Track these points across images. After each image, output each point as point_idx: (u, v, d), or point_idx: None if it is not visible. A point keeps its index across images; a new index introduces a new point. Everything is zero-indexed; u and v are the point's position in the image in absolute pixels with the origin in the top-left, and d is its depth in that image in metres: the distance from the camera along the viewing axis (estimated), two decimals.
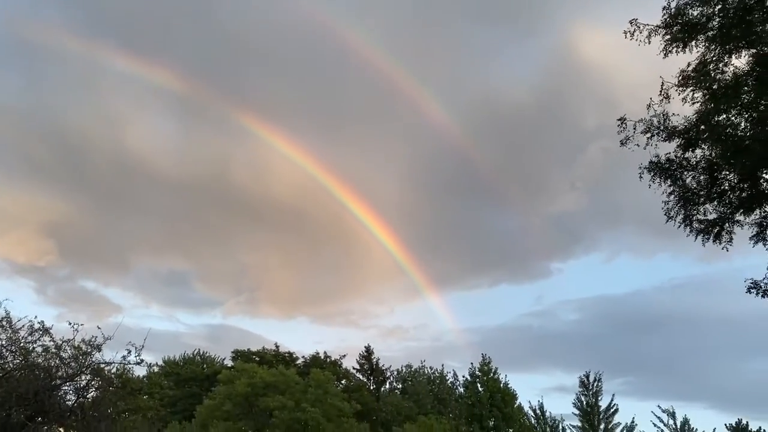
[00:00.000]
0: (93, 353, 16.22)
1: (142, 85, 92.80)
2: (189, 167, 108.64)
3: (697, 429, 51.09)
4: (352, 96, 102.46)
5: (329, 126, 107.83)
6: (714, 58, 10.85)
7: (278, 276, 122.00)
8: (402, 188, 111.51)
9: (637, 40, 11.79)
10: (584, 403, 44.66)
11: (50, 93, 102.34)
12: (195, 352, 66.02)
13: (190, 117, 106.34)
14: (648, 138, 11.80)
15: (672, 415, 52.06)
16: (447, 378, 64.30)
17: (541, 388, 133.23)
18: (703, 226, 12.45)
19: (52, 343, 15.95)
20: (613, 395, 51.00)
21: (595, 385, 44.91)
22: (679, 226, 12.60)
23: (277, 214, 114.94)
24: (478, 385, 44.31)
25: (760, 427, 52.15)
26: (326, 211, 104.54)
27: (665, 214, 12.42)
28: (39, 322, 15.88)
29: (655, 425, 54.79)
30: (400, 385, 64.89)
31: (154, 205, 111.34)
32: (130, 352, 16.13)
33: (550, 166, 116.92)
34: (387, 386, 65.60)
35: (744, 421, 49.82)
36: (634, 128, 11.90)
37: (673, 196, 12.31)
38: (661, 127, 11.61)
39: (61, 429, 17.48)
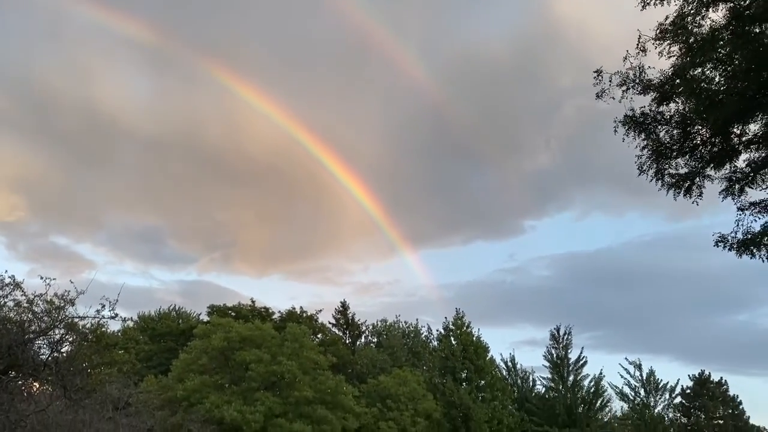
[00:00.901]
0: (66, 308, 16.11)
1: (111, 36, 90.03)
2: (161, 122, 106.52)
3: (661, 380, 53.15)
4: (328, 52, 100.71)
5: (305, 82, 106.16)
6: (692, 11, 10.83)
7: (253, 233, 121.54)
8: (378, 145, 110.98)
9: None
10: (554, 355, 45.91)
11: (14, 43, 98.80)
12: (170, 308, 65.98)
13: (161, 71, 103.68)
14: (623, 91, 11.82)
15: (638, 367, 53.95)
16: (421, 332, 65.43)
17: (512, 341, 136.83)
18: (674, 180, 12.61)
19: (23, 297, 15.80)
20: (582, 348, 52.55)
21: (565, 338, 46.13)
22: (651, 180, 12.76)
23: (252, 170, 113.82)
24: (452, 339, 45.17)
25: (721, 378, 54.43)
26: (301, 168, 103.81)
27: (638, 168, 12.57)
28: (10, 277, 15.68)
29: (622, 377, 56.80)
30: (375, 339, 65.85)
31: (126, 160, 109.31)
32: (104, 306, 16.03)
33: (525, 124, 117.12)
34: (362, 340, 66.54)
35: (707, 372, 51.89)
36: (610, 81, 11.90)
37: (646, 150, 12.42)
38: (637, 80, 11.62)
39: (35, 383, 17.47)
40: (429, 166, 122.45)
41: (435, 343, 56.06)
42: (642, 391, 52.99)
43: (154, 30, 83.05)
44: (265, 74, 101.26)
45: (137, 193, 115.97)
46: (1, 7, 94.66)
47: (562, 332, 46.00)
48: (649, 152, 12.51)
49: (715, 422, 50.49)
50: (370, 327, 67.32)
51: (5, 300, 15.72)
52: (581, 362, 45.53)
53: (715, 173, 12.60)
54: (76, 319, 16.37)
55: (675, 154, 12.35)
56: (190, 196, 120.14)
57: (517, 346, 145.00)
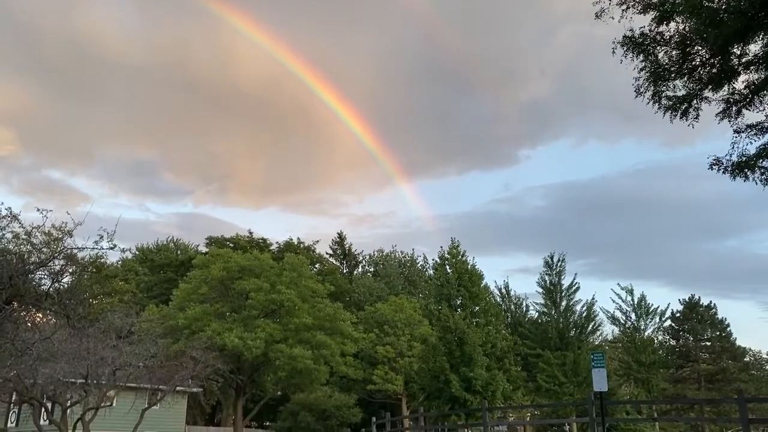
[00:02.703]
0: (65, 239, 16.17)
1: None
2: (149, 51, 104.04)
3: (652, 304, 54.40)
4: None
5: (296, 10, 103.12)
6: None
7: (247, 165, 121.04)
8: (371, 74, 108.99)
9: None
10: (547, 282, 46.61)
11: None
12: (169, 239, 66.52)
13: None
14: (623, 10, 11.49)
15: (630, 292, 55.07)
16: (417, 262, 66.38)
17: (506, 269, 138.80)
18: (671, 102, 12.44)
19: (21, 229, 15.82)
20: (576, 274, 53.44)
21: (558, 265, 46.71)
22: (648, 103, 12.58)
23: (245, 101, 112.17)
24: (447, 267, 45.73)
25: (710, 301, 55.73)
26: (294, 98, 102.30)
27: (635, 91, 12.35)
28: (6, 209, 15.64)
29: (613, 302, 58.18)
30: (372, 269, 66.83)
31: (116, 92, 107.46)
32: (102, 237, 16.05)
33: (520, 51, 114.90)
34: (359, 270, 67.57)
35: (696, 296, 53.03)
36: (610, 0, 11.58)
37: (644, 72, 12.19)
38: None
39: (39, 314, 17.77)
40: (423, 96, 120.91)
41: (431, 272, 56.90)
42: (633, 315, 54.35)
43: None
44: (256, 2, 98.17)
45: (129, 126, 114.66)
46: None
47: (555, 259, 46.56)
48: (647, 74, 12.28)
49: (703, 344, 52.01)
50: (367, 257, 68.24)
51: (3, 232, 15.75)
52: (574, 288, 46.29)
53: (713, 95, 12.43)
54: (75, 250, 16.45)
55: (673, 75, 12.12)
56: (183, 128, 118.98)
57: (511, 274, 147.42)
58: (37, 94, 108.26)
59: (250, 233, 59.56)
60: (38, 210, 15.78)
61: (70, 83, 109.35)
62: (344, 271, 65.38)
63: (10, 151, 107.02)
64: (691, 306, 52.61)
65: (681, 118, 12.63)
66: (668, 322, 53.83)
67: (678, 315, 53.01)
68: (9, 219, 15.86)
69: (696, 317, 52.05)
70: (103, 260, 20.79)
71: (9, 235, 15.94)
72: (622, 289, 55.30)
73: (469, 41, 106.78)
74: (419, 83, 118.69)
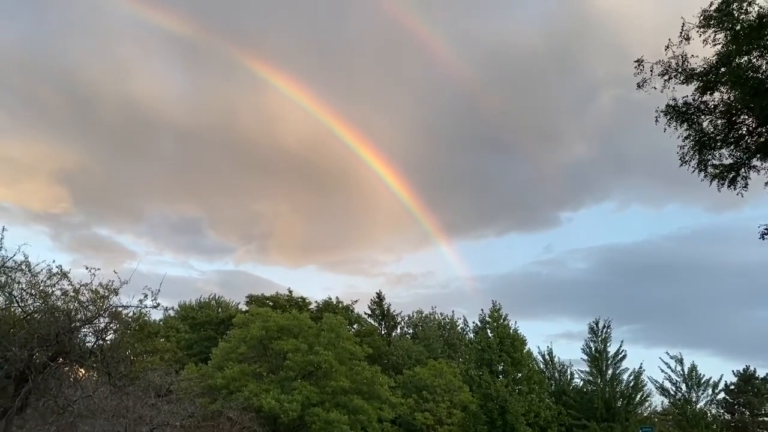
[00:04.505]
0: (110, 297, 16.54)
1: (150, 30, 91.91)
2: (198, 114, 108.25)
3: (704, 375, 51.92)
4: (362, 43, 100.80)
5: (339, 73, 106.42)
6: None
7: (288, 224, 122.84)
8: (412, 136, 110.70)
9: None
10: (593, 348, 45.28)
11: (56, 38, 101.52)
12: (210, 297, 67.20)
13: (198, 63, 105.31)
14: (665, 81, 11.52)
15: (680, 361, 52.79)
16: (457, 324, 65.28)
17: (548, 334, 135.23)
18: (718, 171, 12.28)
19: (70, 286, 16.27)
20: (622, 341, 51.62)
21: (603, 331, 45.46)
22: (693, 171, 12.44)
23: (287, 161, 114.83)
24: (488, 331, 44.93)
25: (767, 374, 52.90)
26: (336, 159, 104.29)
27: (680, 159, 12.25)
28: (57, 267, 16.16)
29: (662, 371, 55.72)
30: (410, 331, 65.92)
31: (164, 152, 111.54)
32: (146, 296, 16.39)
33: (560, 115, 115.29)
34: (398, 331, 66.70)
35: (751, 368, 50.47)
36: (651, 70, 11.62)
37: (688, 140, 12.10)
38: (680, 69, 11.31)
39: (81, 369, 18.02)
40: (463, 157, 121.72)
41: (471, 335, 55.87)
42: (683, 386, 51.86)
43: (191, 23, 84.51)
44: (301, 66, 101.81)
45: (176, 185, 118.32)
46: (45, 4, 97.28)
47: (600, 325, 45.37)
48: (692, 142, 12.20)
49: (761, 419, 49.16)
50: (406, 318, 67.45)
51: (53, 289, 16.23)
52: (620, 356, 44.82)
53: (762, 164, 12.22)
54: (119, 308, 16.79)
55: (719, 144, 12.01)
56: (227, 188, 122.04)
57: (553, 339, 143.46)
58: (90, 153, 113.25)
59: (290, 292, 59.81)
60: (87, 268, 16.29)
61: (121, 144, 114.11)
62: (382, 332, 64.64)
63: (63, 209, 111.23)
64: (746, 378, 50.07)
65: (729, 186, 12.43)
66: (722, 395, 51.21)
67: (732, 387, 50.44)
68: (59, 276, 16.38)
69: (752, 390, 49.43)
70: (146, 318, 21.13)
71: (58, 293, 16.40)
72: (671, 357, 53.08)
73: (509, 104, 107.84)
74: (459, 145, 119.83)
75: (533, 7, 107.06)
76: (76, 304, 16.27)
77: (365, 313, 65.77)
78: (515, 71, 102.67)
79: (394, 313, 67.37)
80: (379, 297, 67.05)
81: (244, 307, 56.22)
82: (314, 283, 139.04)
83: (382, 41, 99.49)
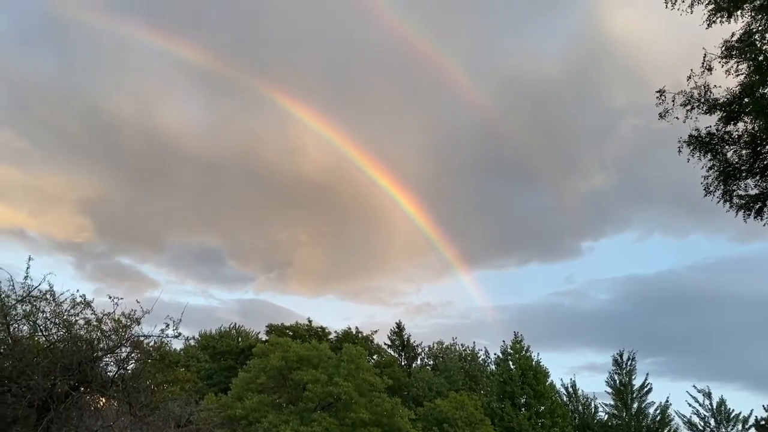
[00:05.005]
0: (132, 326, 16.62)
1: (173, 62, 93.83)
2: (219, 144, 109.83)
3: (733, 409, 50.47)
4: (380, 71, 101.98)
5: (358, 102, 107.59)
6: (760, 28, 10.45)
7: (307, 253, 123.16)
8: (430, 165, 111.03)
9: (678, 9, 11.44)
10: (617, 381, 44.40)
11: (83, 71, 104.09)
12: (231, 326, 67.32)
13: (219, 94, 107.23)
14: (687, 111, 11.48)
15: (708, 395, 51.42)
16: (478, 355, 64.48)
17: (571, 366, 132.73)
18: (744, 201, 12.11)
19: (93, 316, 16.38)
20: (647, 374, 50.51)
21: (628, 363, 44.60)
22: (718, 202, 12.30)
23: (307, 190, 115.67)
24: (510, 363, 44.33)
25: None
26: (355, 187, 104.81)
27: (704, 189, 12.12)
28: (81, 296, 16.30)
29: (689, 405, 54.28)
30: (431, 362, 65.25)
31: (186, 182, 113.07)
32: (168, 325, 16.46)
33: (579, 144, 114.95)
34: (418, 362, 66.05)
35: None
36: (673, 101, 11.58)
37: (713, 170, 11.99)
38: (702, 100, 11.26)
39: (102, 399, 18.06)
40: (482, 186, 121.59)
41: (492, 366, 55.15)
42: (712, 421, 50.43)
43: (213, 55, 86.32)
44: (319, 95, 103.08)
45: (197, 214, 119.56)
46: (73, 37, 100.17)
47: (625, 357, 44.52)
48: (717, 173, 12.08)
49: None
50: (426, 349, 66.83)
51: (77, 318, 16.36)
52: (646, 389, 43.86)
53: None
54: (141, 338, 16.86)
55: (744, 174, 11.87)
56: (247, 217, 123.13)
57: (577, 371, 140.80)
58: (113, 184, 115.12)
59: (309, 322, 59.73)
60: (110, 297, 16.41)
61: (144, 174, 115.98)
62: (402, 363, 64.07)
63: (86, 238, 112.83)
64: None
65: (755, 217, 12.24)
66: (752, 430, 49.66)
67: (763, 422, 48.88)
68: (82, 306, 16.53)
69: None
70: (167, 348, 21.19)
71: (81, 322, 16.53)
72: (699, 391, 51.75)
73: (527, 133, 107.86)
74: (478, 173, 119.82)
75: (550, 35, 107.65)
76: (98, 334, 16.38)
77: (385, 344, 65.36)
78: (533, 99, 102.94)
79: (414, 344, 66.83)
80: (399, 327, 66.63)
81: (264, 337, 56.25)
82: (333, 312, 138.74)
83: (400, 70, 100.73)
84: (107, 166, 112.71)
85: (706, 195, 12.19)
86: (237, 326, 67.65)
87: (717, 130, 11.65)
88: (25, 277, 15.96)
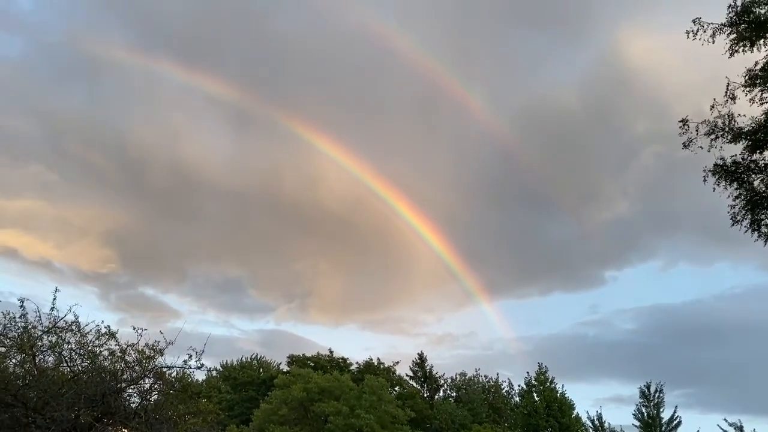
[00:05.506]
0: (156, 357, 16.66)
1: (198, 96, 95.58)
2: (242, 176, 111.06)
3: None
4: (401, 103, 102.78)
5: (378, 132, 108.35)
6: None
7: (328, 283, 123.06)
8: (451, 194, 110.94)
9: (700, 39, 11.42)
10: (645, 414, 43.22)
11: (112, 106, 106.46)
12: (252, 357, 67.16)
13: (243, 127, 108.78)
14: (712, 140, 11.39)
15: (740, 429, 49.79)
16: (502, 387, 63.39)
17: (596, 398, 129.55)
18: None
19: (117, 347, 16.45)
20: (676, 407, 49.13)
21: (656, 396, 43.44)
22: (746, 231, 12.10)
23: (328, 221, 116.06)
24: (534, 395, 43.51)
25: None
26: (376, 218, 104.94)
27: (731, 219, 11.94)
28: (105, 327, 16.42)
29: None
30: (454, 393, 64.29)
31: (209, 213, 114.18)
32: (190, 356, 16.47)
33: (601, 172, 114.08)
34: (441, 394, 65.10)
35: None
36: (697, 130, 11.50)
37: (739, 199, 11.82)
38: (726, 129, 11.17)
39: (125, 430, 18.03)
40: (503, 214, 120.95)
41: (516, 398, 54.20)
42: None
43: (237, 88, 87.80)
44: (341, 127, 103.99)
45: (219, 245, 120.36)
46: (102, 73, 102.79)
47: (652, 389, 43.42)
48: (743, 202, 11.91)
49: None
50: (449, 380, 65.91)
51: (101, 349, 16.45)
52: (675, 422, 42.61)
53: None
54: (164, 369, 16.88)
55: None
56: (268, 247, 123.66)
57: (602, 403, 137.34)
58: (137, 215, 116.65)
59: (331, 352, 59.39)
60: (134, 328, 16.50)
61: (167, 206, 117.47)
62: (425, 395, 63.21)
63: (110, 269, 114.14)
64: None
65: None
66: None
67: None
68: (107, 337, 16.63)
69: None
70: (189, 379, 21.18)
71: (105, 353, 16.60)
72: (730, 425, 50.12)
73: (548, 162, 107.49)
74: (499, 202, 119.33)
75: (571, 66, 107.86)
76: (122, 365, 16.43)
77: (407, 375, 64.61)
78: (553, 128, 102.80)
79: (437, 375, 65.96)
80: (421, 358, 65.89)
81: (285, 368, 55.99)
82: (354, 343, 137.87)
83: (419, 100, 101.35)
84: (132, 198, 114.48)
85: (733, 224, 12.03)
86: (258, 357, 67.48)
87: (743, 159, 11.52)
88: (52, 308, 16.12)
